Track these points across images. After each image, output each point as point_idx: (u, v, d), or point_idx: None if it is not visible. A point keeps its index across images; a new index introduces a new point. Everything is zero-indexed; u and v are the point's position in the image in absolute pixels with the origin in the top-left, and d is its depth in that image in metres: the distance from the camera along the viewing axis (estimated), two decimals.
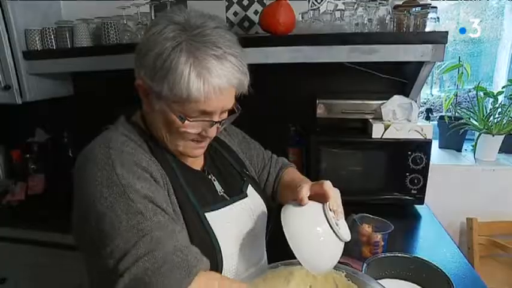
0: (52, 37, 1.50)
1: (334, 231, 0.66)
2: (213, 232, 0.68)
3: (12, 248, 1.44)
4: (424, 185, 1.30)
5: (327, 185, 0.68)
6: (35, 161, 1.77)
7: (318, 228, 0.65)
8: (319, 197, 0.68)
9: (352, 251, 0.97)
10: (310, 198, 0.68)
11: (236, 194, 0.79)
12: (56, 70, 1.53)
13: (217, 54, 0.61)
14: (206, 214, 0.69)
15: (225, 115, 0.71)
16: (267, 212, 0.85)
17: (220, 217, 0.72)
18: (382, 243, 0.95)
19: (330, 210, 0.67)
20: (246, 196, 0.81)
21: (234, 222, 0.74)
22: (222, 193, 0.77)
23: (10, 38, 1.46)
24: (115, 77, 1.28)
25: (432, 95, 2.23)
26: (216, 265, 0.67)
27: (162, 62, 0.60)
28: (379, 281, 0.72)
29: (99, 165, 0.60)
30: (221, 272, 0.68)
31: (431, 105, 2.08)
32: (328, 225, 0.66)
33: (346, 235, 0.68)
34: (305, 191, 0.66)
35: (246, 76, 0.66)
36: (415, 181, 1.29)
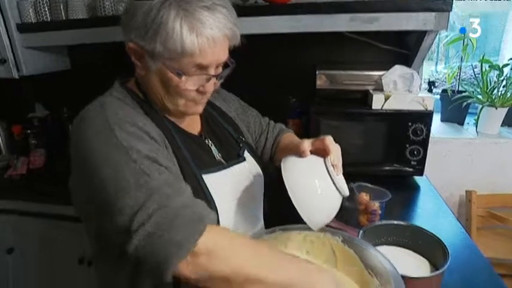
0: (46, 9, 1.46)
1: (334, 184, 0.66)
2: (210, 194, 0.68)
3: (16, 220, 1.47)
4: (424, 157, 1.30)
5: (328, 140, 0.69)
6: (35, 136, 1.78)
7: (319, 180, 0.66)
8: (320, 152, 0.69)
9: (349, 220, 0.98)
10: (311, 153, 0.69)
11: (233, 158, 0.79)
12: (51, 43, 1.51)
13: (208, 5, 0.61)
14: (204, 176, 0.69)
15: (220, 70, 0.71)
16: (263, 178, 0.85)
17: (217, 180, 0.72)
18: (380, 211, 0.96)
19: (331, 164, 0.68)
20: (244, 160, 0.81)
21: (230, 185, 0.74)
22: (219, 158, 0.77)
23: (2, 11, 1.43)
24: (111, 49, 1.25)
25: (437, 72, 2.20)
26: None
27: (152, 18, 0.60)
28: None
29: (97, 128, 0.60)
30: None
31: (435, 80, 2.05)
32: (329, 178, 0.66)
33: (345, 190, 0.68)
34: (307, 144, 0.67)
35: (238, 28, 0.66)
36: (415, 152, 1.29)
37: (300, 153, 0.67)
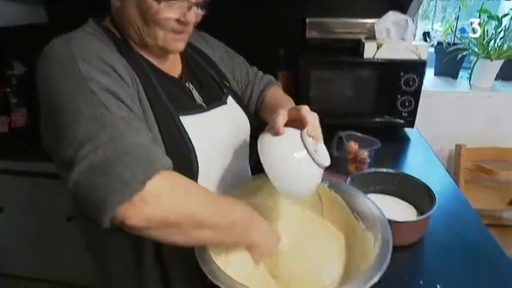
0: None
1: (312, 158, 0.62)
2: (188, 136, 0.65)
3: (2, 179, 1.44)
4: (415, 108, 1.27)
5: (304, 109, 0.63)
6: (15, 95, 1.71)
7: (296, 154, 0.61)
8: (297, 123, 0.64)
9: (338, 169, 0.96)
10: (288, 124, 0.64)
11: (214, 102, 0.75)
12: None
13: None
14: (181, 117, 0.65)
15: None
16: (249, 126, 0.82)
17: (197, 122, 0.68)
18: (368, 160, 0.94)
19: (308, 136, 0.63)
20: (225, 104, 0.77)
21: (211, 128, 0.71)
22: (200, 102, 0.73)
23: None
24: (90, 2, 1.17)
25: (433, 30, 2.11)
26: (192, 170, 0.65)
27: None
28: None
29: (59, 58, 0.56)
30: (197, 179, 0.67)
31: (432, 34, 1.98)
32: (306, 151, 0.62)
33: (325, 160, 0.64)
34: (281, 119, 0.61)
35: None
36: (406, 104, 1.26)
37: (274, 132, 0.62)
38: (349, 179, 0.81)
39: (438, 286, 0.67)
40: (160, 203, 0.49)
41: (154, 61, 0.70)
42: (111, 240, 0.70)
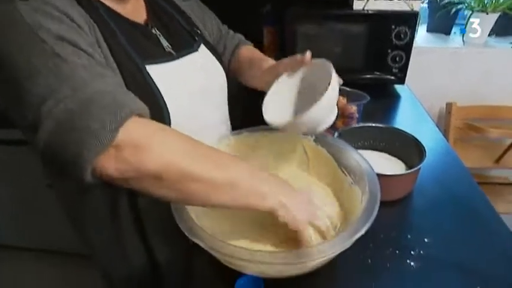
0: None
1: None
2: (157, 87, 0.59)
3: None
4: (407, 63, 1.22)
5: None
6: None
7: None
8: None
9: None
10: None
11: (184, 50, 0.69)
12: None
13: None
14: (148, 67, 0.59)
15: None
16: (225, 77, 0.76)
17: (165, 71, 0.62)
18: (357, 115, 0.90)
19: None
20: (196, 51, 0.71)
21: (181, 77, 0.65)
22: (169, 49, 0.67)
23: None
24: None
25: None
26: (163, 123, 0.60)
27: None
28: None
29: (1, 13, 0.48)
30: None
31: None
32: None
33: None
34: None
35: None
36: (397, 59, 1.21)
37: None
38: (336, 134, 0.78)
39: (426, 240, 0.65)
40: (134, 152, 0.44)
41: (114, 6, 0.62)
42: (87, 203, 0.67)
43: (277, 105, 0.65)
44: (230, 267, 0.54)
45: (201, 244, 0.46)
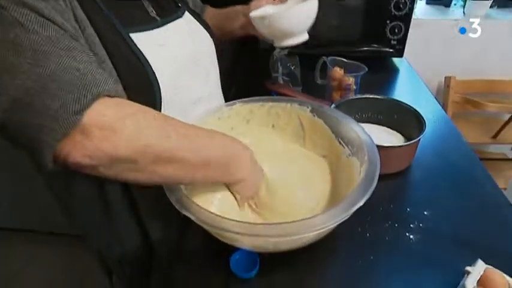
0: None
1: None
2: (143, 55, 0.55)
3: None
4: (405, 35, 1.17)
5: None
6: None
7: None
8: None
9: (322, 97, 0.89)
10: None
11: (169, 16, 0.64)
12: None
13: None
14: (132, 35, 0.55)
15: None
16: (213, 45, 0.73)
17: (151, 39, 0.58)
18: (354, 87, 0.87)
19: None
20: (181, 17, 0.66)
21: (169, 45, 0.60)
22: (153, 14, 0.62)
23: None
24: None
25: None
26: (153, 96, 0.56)
27: None
28: None
29: None
30: (160, 106, 0.58)
31: None
32: None
33: None
34: None
35: None
36: (396, 30, 1.16)
37: None
38: (332, 106, 0.74)
39: (425, 212, 0.64)
40: (104, 136, 0.40)
41: None
42: (74, 181, 0.63)
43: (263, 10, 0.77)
44: (224, 241, 0.51)
45: (191, 217, 0.43)
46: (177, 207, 0.46)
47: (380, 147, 0.56)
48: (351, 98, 0.79)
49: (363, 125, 0.81)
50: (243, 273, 0.51)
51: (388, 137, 0.80)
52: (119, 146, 0.41)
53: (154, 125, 0.44)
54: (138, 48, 0.55)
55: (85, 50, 0.46)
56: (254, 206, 0.58)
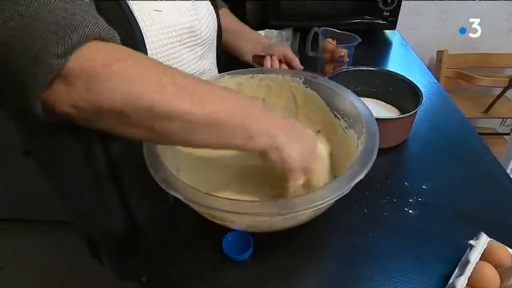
0: None
1: None
2: (134, 18, 0.50)
3: None
4: (399, 5, 1.13)
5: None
6: None
7: None
8: None
9: (314, 71, 0.85)
10: None
11: None
12: None
13: None
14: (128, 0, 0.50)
15: None
16: (215, 16, 0.68)
17: (146, 2, 0.53)
18: (348, 59, 0.83)
19: None
20: None
21: (166, 11, 0.55)
22: None
23: None
24: None
25: None
26: None
27: None
28: None
29: None
30: None
31: None
32: None
33: None
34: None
35: None
36: (389, 1, 1.12)
37: None
38: (325, 78, 0.70)
39: (424, 187, 0.61)
40: (88, 85, 0.35)
41: None
42: (62, 160, 0.61)
43: None
44: (215, 222, 0.48)
45: (178, 196, 0.40)
46: (162, 186, 0.42)
47: (377, 120, 0.53)
48: (344, 70, 0.75)
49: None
50: (236, 255, 0.48)
51: (383, 110, 0.77)
52: (103, 97, 0.35)
53: (147, 74, 0.37)
54: (130, 9, 0.50)
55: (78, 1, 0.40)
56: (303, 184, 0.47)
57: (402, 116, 0.65)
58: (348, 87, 0.75)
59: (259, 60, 0.74)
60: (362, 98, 0.77)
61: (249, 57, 0.82)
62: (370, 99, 0.80)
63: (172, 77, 0.39)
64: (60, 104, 0.36)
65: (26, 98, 0.35)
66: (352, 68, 0.77)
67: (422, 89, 0.70)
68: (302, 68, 0.69)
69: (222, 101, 0.41)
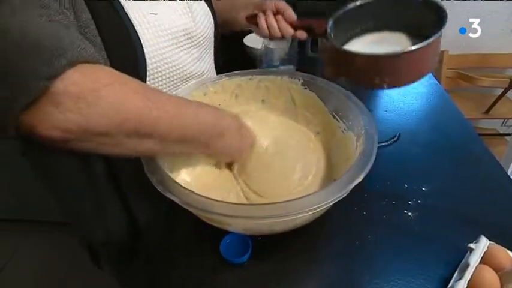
0: None
1: None
2: (130, 21, 0.50)
3: None
4: None
5: None
6: None
7: None
8: None
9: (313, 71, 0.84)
10: None
11: None
12: None
13: None
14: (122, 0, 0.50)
15: None
16: (212, 18, 0.68)
17: (142, 6, 0.53)
18: None
19: None
20: None
21: (163, 15, 0.55)
22: None
23: None
24: None
25: None
26: (137, 65, 0.52)
27: None
28: (349, 44, 0.57)
29: None
30: (145, 78, 0.54)
31: None
32: None
33: None
34: None
35: None
36: None
37: None
38: (330, 23, 0.62)
39: (423, 188, 0.61)
40: (77, 108, 0.35)
41: None
42: (60, 165, 0.60)
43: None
44: (213, 225, 0.48)
45: (175, 199, 0.39)
46: (159, 189, 0.41)
47: (386, 57, 0.47)
48: (350, 7, 0.59)
49: (365, 37, 0.67)
50: (234, 258, 0.48)
51: (399, 42, 0.65)
52: (91, 120, 0.36)
53: (133, 99, 0.39)
54: (126, 14, 0.50)
55: (65, 12, 0.41)
56: (236, 173, 0.57)
57: (425, 43, 0.52)
58: (357, 28, 0.61)
59: (253, 20, 0.69)
60: (372, 35, 0.65)
61: (244, 23, 0.75)
62: (383, 32, 0.62)
63: (156, 101, 0.42)
64: (43, 127, 0.35)
65: (2, 113, 0.35)
66: (359, 3, 0.60)
67: (422, 91, 0.69)
68: (295, 17, 0.65)
69: (194, 125, 0.46)
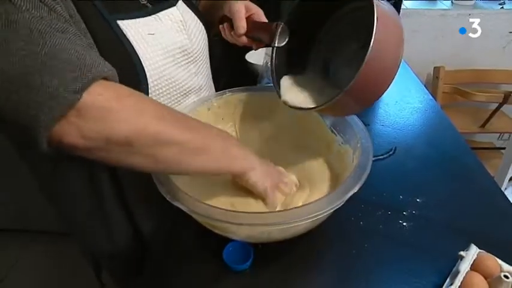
0: None
1: None
2: (130, 43, 0.53)
3: None
4: None
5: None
6: None
7: None
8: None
9: None
10: None
11: (161, 3, 0.62)
12: None
13: None
14: (119, 22, 0.53)
15: None
16: (206, 36, 0.70)
17: (140, 27, 0.56)
18: None
19: None
20: (174, 6, 0.64)
21: (159, 35, 0.58)
22: (144, 2, 0.59)
23: None
24: None
25: None
26: (139, 84, 0.55)
27: None
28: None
29: None
30: (147, 95, 0.56)
31: None
32: None
33: None
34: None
35: None
36: None
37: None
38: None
39: (418, 200, 0.63)
40: (101, 117, 0.39)
41: None
42: (61, 173, 0.62)
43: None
44: (217, 233, 0.50)
45: (182, 207, 0.42)
46: (167, 198, 0.44)
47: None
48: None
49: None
50: (237, 265, 0.50)
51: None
52: (115, 127, 0.40)
53: (150, 107, 0.43)
54: (125, 36, 0.53)
55: (79, 34, 0.45)
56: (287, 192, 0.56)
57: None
58: None
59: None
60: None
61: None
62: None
63: (167, 110, 0.46)
64: (70, 136, 0.39)
65: (35, 130, 0.37)
66: None
67: (418, 106, 0.72)
68: (264, 19, 0.63)
69: (208, 132, 0.49)
